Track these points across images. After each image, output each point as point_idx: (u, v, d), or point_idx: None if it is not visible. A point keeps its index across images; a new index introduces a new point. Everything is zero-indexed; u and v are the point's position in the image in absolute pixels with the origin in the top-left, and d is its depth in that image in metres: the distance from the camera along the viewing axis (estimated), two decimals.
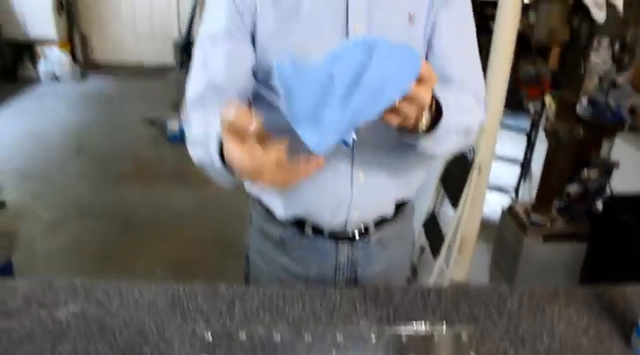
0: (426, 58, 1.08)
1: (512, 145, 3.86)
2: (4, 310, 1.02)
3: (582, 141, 2.58)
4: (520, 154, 3.72)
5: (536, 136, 3.57)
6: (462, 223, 2.42)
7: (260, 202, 1.21)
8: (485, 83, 2.38)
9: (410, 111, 0.81)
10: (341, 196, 1.09)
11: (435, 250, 2.50)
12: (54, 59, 5.93)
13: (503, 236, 2.76)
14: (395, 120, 0.83)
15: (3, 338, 0.96)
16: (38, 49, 5.98)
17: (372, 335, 0.99)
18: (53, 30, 5.93)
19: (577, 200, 2.56)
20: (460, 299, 1.10)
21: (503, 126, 4.04)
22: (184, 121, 1.06)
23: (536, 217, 2.51)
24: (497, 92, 2.34)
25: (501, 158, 4.04)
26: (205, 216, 3.26)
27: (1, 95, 5.42)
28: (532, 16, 2.20)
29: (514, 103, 4.15)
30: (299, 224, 1.16)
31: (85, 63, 6.41)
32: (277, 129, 1.04)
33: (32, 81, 5.90)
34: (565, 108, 2.38)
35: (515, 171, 3.73)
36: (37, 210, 3.39)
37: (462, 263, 2.61)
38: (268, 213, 1.19)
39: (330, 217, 1.13)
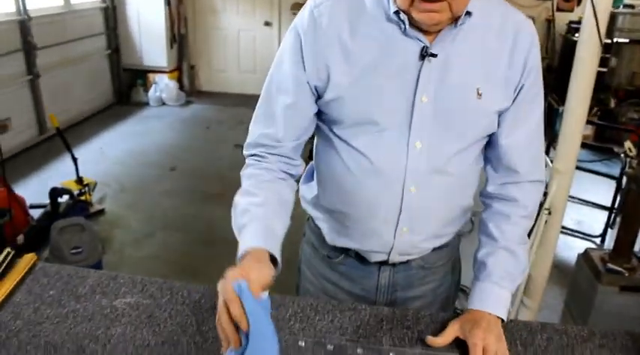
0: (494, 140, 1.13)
1: (607, 189, 3.69)
2: (74, 294, 1.18)
3: None
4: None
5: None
6: (530, 265, 2.35)
7: (313, 220, 1.29)
8: (562, 127, 2.34)
9: None
10: (384, 241, 1.16)
11: None
12: (163, 86, 6.47)
13: (578, 282, 2.63)
14: None
15: (69, 317, 1.11)
16: (150, 76, 6.56)
17: (391, 353, 1.03)
18: (165, 60, 6.51)
19: None
20: None
21: (595, 172, 3.90)
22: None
23: (612, 265, 2.38)
24: (574, 135, 2.28)
25: (593, 204, 3.87)
26: None
27: (116, 116, 5.99)
28: (613, 61, 2.14)
29: (608, 149, 3.99)
30: (345, 248, 1.25)
31: (191, 90, 6.92)
32: (334, 167, 1.14)
33: (142, 105, 6.45)
34: None
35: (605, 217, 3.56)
36: (130, 220, 3.70)
37: (530, 305, 2.53)
38: (319, 230, 1.27)
39: (373, 254, 1.21)
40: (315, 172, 1.24)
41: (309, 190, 1.27)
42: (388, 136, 1.05)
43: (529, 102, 1.09)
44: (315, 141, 1.22)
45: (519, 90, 1.07)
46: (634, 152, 2.25)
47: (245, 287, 0.86)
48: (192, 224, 3.67)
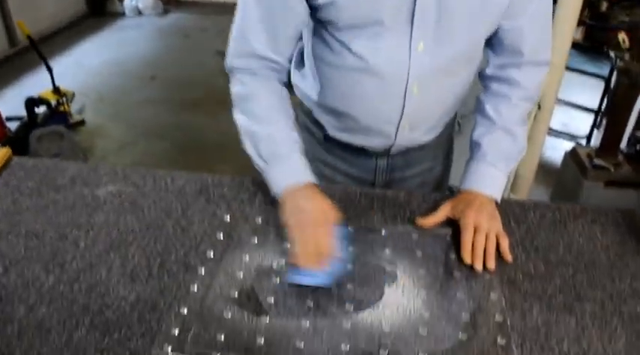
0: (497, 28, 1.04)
1: (593, 94, 3.65)
2: (54, 185, 1.14)
3: None
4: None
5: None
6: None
7: (312, 112, 1.22)
8: (553, 24, 2.24)
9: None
10: (386, 139, 1.14)
11: None
12: None
13: (564, 179, 2.65)
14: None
15: (50, 207, 1.07)
16: None
17: (383, 230, 1.01)
18: None
19: None
20: None
21: (584, 73, 3.83)
22: (229, 61, 1.07)
23: (599, 161, 2.38)
24: (564, 32, 2.20)
25: (580, 107, 3.83)
26: None
27: (91, 28, 5.71)
28: None
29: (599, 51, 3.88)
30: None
31: (168, 0, 6.58)
32: (332, 69, 1.06)
33: (118, 15, 6.13)
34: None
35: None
36: (111, 130, 3.62)
37: None
38: (314, 117, 1.21)
39: (374, 148, 1.18)
40: (310, 68, 1.14)
41: (302, 80, 1.18)
42: (389, 38, 0.97)
43: None
44: (308, 38, 1.11)
45: None
46: (627, 44, 2.19)
47: (347, 232, 0.97)
48: (174, 131, 3.61)
